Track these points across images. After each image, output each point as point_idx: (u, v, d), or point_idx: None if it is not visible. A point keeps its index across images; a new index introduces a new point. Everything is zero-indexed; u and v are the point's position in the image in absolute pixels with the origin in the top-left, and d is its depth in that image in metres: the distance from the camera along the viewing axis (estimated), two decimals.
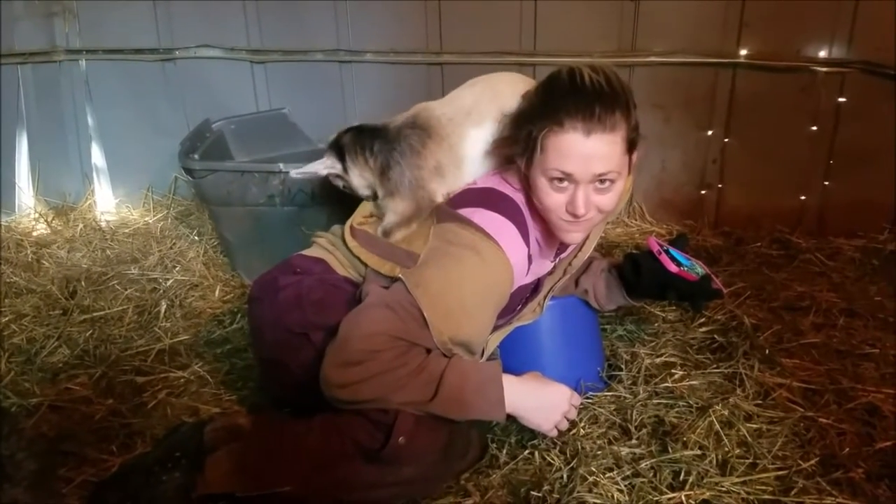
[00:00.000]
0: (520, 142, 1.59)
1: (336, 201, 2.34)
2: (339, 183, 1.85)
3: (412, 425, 1.50)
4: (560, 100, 1.51)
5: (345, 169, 1.79)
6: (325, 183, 2.32)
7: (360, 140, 1.77)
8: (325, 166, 1.82)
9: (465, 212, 1.65)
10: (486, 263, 1.58)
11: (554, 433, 1.66)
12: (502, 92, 1.71)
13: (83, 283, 2.58)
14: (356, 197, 1.84)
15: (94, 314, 2.39)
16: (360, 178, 1.78)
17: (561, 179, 1.55)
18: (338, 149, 1.79)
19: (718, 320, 2.22)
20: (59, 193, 3.29)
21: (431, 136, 1.71)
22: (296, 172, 1.89)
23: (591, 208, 1.58)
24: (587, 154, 1.51)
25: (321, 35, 3.07)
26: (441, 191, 1.73)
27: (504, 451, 1.73)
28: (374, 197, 1.79)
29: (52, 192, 3.27)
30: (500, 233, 1.61)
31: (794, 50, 2.73)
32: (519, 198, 1.66)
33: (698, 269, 1.80)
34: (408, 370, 1.50)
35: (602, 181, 1.55)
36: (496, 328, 1.76)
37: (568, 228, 1.64)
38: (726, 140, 2.91)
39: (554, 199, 1.58)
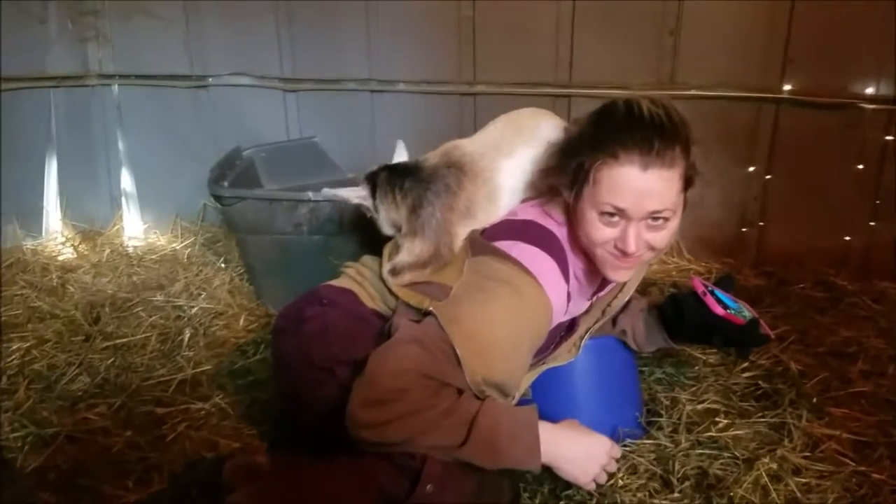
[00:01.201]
0: (568, 172, 1.53)
1: (364, 231, 2.30)
2: (368, 213, 1.80)
3: (441, 472, 1.41)
4: (616, 131, 1.45)
5: (374, 205, 1.74)
6: (354, 212, 2.29)
7: (392, 179, 1.72)
8: (357, 196, 1.78)
9: (504, 245, 1.59)
10: (523, 300, 1.51)
11: (591, 486, 1.56)
12: (525, 124, 1.71)
13: (107, 309, 2.55)
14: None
15: (117, 341, 2.36)
16: (385, 216, 1.73)
17: (612, 214, 1.48)
18: (372, 183, 1.75)
19: (762, 365, 2.12)
20: (87, 218, 3.28)
21: (466, 173, 1.67)
22: (328, 191, 1.84)
23: (642, 246, 1.51)
24: (643, 189, 1.45)
25: (353, 64, 3.05)
26: (464, 234, 1.68)
27: (537, 501, 1.64)
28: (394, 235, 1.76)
29: (80, 217, 3.25)
30: (540, 268, 1.55)
31: (839, 86, 2.65)
32: (561, 232, 1.60)
33: (745, 312, 1.71)
34: (438, 412, 1.42)
35: (655, 218, 1.48)
36: (529, 368, 1.67)
37: (615, 265, 1.57)
38: (768, 177, 2.82)
39: (603, 233, 1.51)
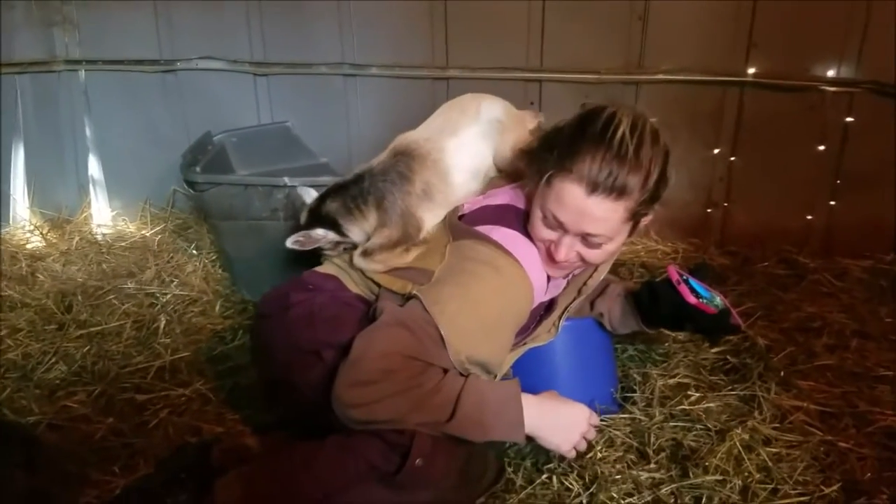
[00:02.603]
0: (536, 163, 1.57)
1: None
2: (339, 249, 1.78)
3: (430, 447, 1.45)
4: (582, 144, 1.48)
5: (342, 233, 1.73)
6: None
7: (346, 196, 1.73)
8: (321, 237, 1.75)
9: (483, 228, 1.62)
10: (505, 281, 1.55)
11: (572, 454, 1.61)
12: (468, 105, 1.76)
13: (79, 297, 2.52)
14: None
15: (91, 329, 2.34)
16: (361, 233, 1.73)
17: (551, 220, 1.54)
18: (324, 219, 1.74)
19: (730, 341, 2.18)
20: (55, 205, 3.22)
21: (415, 158, 1.71)
22: (290, 242, 1.76)
23: (573, 257, 1.58)
24: (582, 210, 1.50)
25: (325, 48, 3.04)
26: (429, 217, 1.71)
27: (520, 475, 1.68)
28: None
29: (48, 204, 3.20)
30: (519, 249, 1.58)
31: (802, 69, 2.72)
32: None
33: (717, 301, 1.76)
34: (424, 390, 1.46)
35: (590, 238, 1.54)
36: (511, 348, 1.71)
37: (547, 262, 1.63)
38: (733, 159, 2.89)
39: (541, 232, 1.58)
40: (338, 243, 1.76)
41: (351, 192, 1.72)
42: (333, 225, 1.72)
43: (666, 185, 1.54)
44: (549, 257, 1.60)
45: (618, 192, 1.47)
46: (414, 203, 1.69)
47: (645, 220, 1.60)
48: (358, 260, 1.70)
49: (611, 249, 1.59)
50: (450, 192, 1.72)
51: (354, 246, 1.73)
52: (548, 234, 1.57)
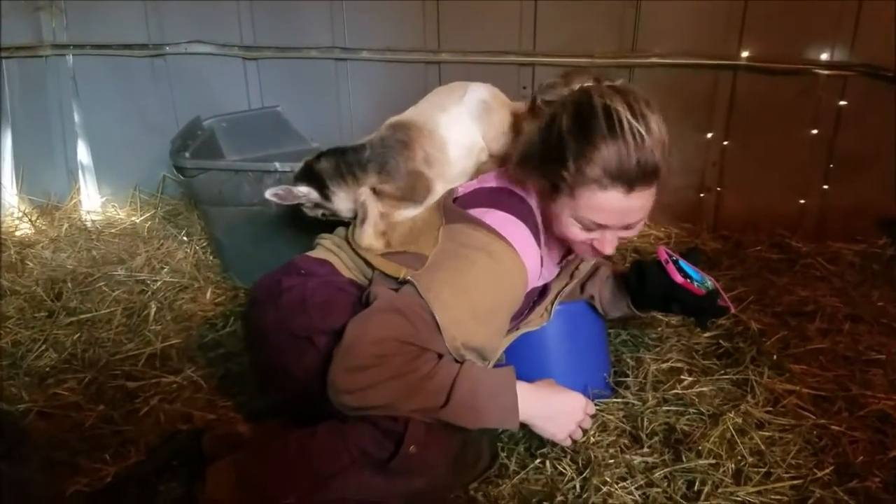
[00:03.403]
0: (546, 176, 1.53)
1: None
2: (317, 212, 1.77)
3: (424, 434, 1.44)
4: (597, 149, 1.43)
5: (326, 196, 1.72)
6: None
7: (344, 161, 1.71)
8: (301, 195, 1.74)
9: (477, 212, 1.61)
10: (499, 265, 1.54)
11: (567, 442, 1.61)
12: (454, 88, 1.79)
13: (69, 284, 2.51)
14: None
15: (81, 316, 2.32)
16: (346, 202, 1.72)
17: (590, 224, 1.53)
18: (313, 177, 1.72)
19: (723, 325, 2.19)
20: (44, 192, 3.19)
21: (411, 129, 1.71)
22: (270, 193, 1.74)
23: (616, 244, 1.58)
24: (626, 209, 1.48)
25: (316, 32, 3.01)
26: (437, 184, 1.70)
27: (513, 460, 1.68)
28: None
29: (37, 191, 3.16)
30: (513, 234, 1.57)
31: (795, 52, 2.71)
32: (532, 199, 1.62)
33: (708, 283, 1.75)
34: (418, 376, 1.45)
35: (631, 225, 1.54)
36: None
37: (590, 254, 1.63)
38: (726, 143, 2.88)
39: (579, 235, 1.56)
40: (317, 206, 1.75)
41: (348, 158, 1.71)
42: (321, 186, 1.71)
43: None
44: (592, 251, 1.60)
45: (651, 175, 1.45)
46: (419, 167, 1.69)
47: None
48: (366, 196, 1.69)
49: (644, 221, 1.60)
50: (446, 163, 1.71)
51: (333, 214, 1.74)
52: (585, 235, 1.55)
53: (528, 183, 1.62)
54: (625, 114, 1.42)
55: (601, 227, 1.52)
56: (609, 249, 1.55)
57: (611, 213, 1.49)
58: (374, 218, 1.67)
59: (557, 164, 1.48)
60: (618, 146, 1.42)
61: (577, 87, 1.51)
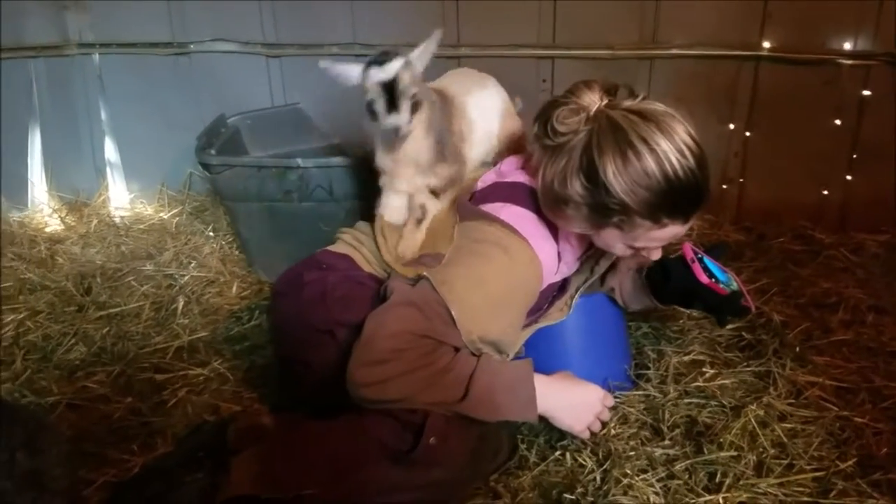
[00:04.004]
0: (590, 219, 1.53)
1: (354, 197, 2.32)
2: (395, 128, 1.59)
3: (443, 425, 1.46)
4: (654, 198, 1.45)
5: (393, 97, 1.56)
6: (343, 178, 2.30)
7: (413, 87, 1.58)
8: (352, 77, 1.62)
9: (491, 207, 1.62)
10: (514, 260, 1.55)
11: (586, 435, 1.62)
12: (470, 73, 1.88)
13: (98, 279, 2.55)
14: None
15: (111, 311, 2.36)
16: (405, 117, 1.57)
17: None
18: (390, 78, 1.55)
19: (745, 318, 2.16)
20: (73, 189, 3.25)
21: (447, 100, 1.73)
22: (324, 63, 1.66)
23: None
24: (680, 233, 1.54)
25: (337, 29, 3.02)
26: (466, 162, 1.75)
27: (533, 452, 1.69)
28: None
29: (66, 188, 3.22)
30: (529, 229, 1.58)
31: (818, 42, 2.68)
32: None
33: (732, 283, 1.75)
34: (435, 369, 1.47)
35: None
36: (523, 327, 1.72)
37: (633, 262, 1.75)
38: (748, 134, 2.86)
39: (627, 252, 1.61)
40: (371, 107, 1.59)
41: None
42: (388, 87, 1.55)
43: None
44: (635, 258, 1.68)
45: (706, 201, 1.51)
46: (457, 143, 1.72)
47: None
48: (426, 198, 1.71)
49: None
50: (473, 140, 1.75)
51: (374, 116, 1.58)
52: (631, 250, 1.60)
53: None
54: (672, 155, 1.42)
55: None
56: (657, 255, 1.62)
57: (667, 240, 1.55)
58: (430, 217, 1.70)
59: (608, 211, 1.49)
60: (672, 191, 1.44)
61: (592, 109, 1.49)
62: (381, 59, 1.55)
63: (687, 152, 1.43)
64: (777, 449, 1.64)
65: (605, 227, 1.54)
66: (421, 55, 1.61)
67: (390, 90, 1.53)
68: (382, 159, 1.73)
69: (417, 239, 1.71)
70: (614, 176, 1.44)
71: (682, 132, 1.44)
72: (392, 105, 1.54)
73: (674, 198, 1.45)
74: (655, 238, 1.53)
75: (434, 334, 1.48)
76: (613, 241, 1.57)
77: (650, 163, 1.42)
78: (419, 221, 1.71)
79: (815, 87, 2.72)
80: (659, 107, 1.48)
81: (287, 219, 2.42)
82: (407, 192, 1.74)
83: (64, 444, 1.17)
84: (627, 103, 1.48)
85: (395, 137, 1.59)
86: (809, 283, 2.43)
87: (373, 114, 1.58)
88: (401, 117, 1.55)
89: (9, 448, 1.06)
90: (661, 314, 2.21)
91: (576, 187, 1.49)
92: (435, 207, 1.73)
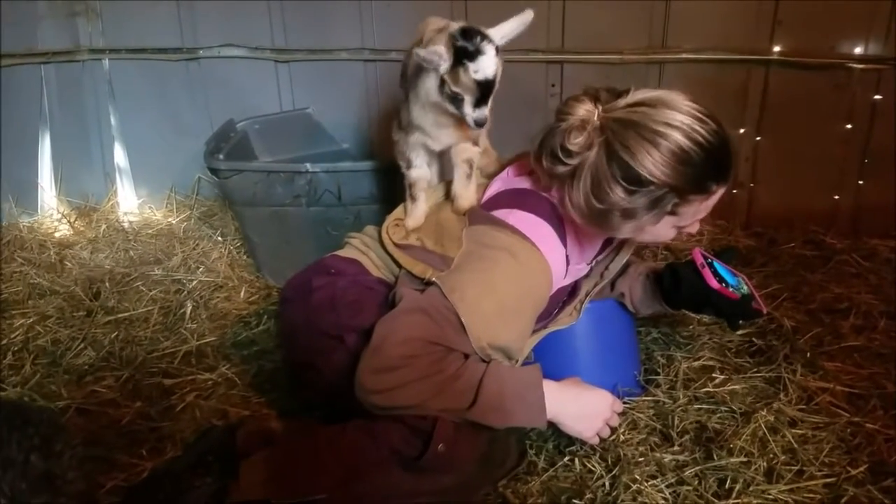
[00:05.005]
0: (648, 205, 1.51)
1: (363, 201, 2.33)
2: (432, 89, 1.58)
3: (452, 432, 1.45)
4: (703, 173, 1.47)
5: (478, 47, 1.55)
6: (351, 183, 2.31)
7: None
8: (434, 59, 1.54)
9: (499, 213, 1.62)
10: (523, 266, 1.54)
11: (595, 440, 1.61)
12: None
13: (107, 284, 2.55)
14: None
15: (119, 315, 2.37)
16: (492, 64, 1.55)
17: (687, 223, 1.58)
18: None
19: (756, 323, 2.16)
20: (82, 194, 3.26)
21: None
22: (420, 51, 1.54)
23: None
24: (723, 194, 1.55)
25: (346, 34, 3.03)
26: None
27: (542, 458, 1.68)
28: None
29: (75, 193, 3.24)
30: (537, 234, 1.58)
31: (828, 46, 2.67)
32: (555, 198, 1.62)
33: (743, 287, 1.74)
34: (445, 376, 1.46)
35: None
36: (532, 332, 1.71)
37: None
38: (758, 138, 2.85)
39: (671, 235, 1.61)
40: (442, 84, 1.55)
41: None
42: (484, 85, 1.52)
43: None
44: (676, 237, 1.65)
45: (735, 153, 1.53)
46: None
47: None
48: (471, 151, 1.72)
49: None
50: None
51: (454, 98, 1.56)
52: (675, 232, 1.61)
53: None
54: (694, 124, 1.44)
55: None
56: (696, 228, 1.62)
57: (711, 208, 1.55)
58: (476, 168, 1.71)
59: (661, 202, 1.50)
60: (715, 161, 1.47)
61: (594, 119, 1.50)
62: (472, 51, 1.50)
63: (702, 116, 1.46)
64: (787, 455, 1.63)
65: (663, 218, 1.53)
66: (506, 36, 1.59)
67: (486, 87, 1.53)
68: (423, 119, 1.70)
69: (472, 190, 1.71)
70: (654, 166, 1.44)
71: (686, 102, 1.47)
72: (482, 101, 1.54)
73: (715, 161, 1.47)
74: (704, 209, 1.55)
75: (444, 341, 1.48)
76: (666, 229, 1.58)
77: (680, 139, 1.43)
78: (468, 176, 1.72)
79: (826, 92, 2.70)
80: (651, 91, 1.50)
81: (295, 224, 2.43)
82: (446, 147, 1.74)
83: (79, 446, 1.17)
84: (623, 101, 1.50)
85: (472, 125, 1.59)
86: (821, 288, 2.42)
87: (456, 103, 1.56)
88: (486, 110, 1.56)
89: (24, 450, 1.06)
90: (671, 319, 2.20)
91: (618, 194, 1.48)
92: (477, 155, 1.73)
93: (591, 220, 1.56)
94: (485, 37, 1.52)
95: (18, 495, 1.03)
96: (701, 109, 1.47)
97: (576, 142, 1.49)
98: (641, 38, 2.81)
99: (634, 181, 1.46)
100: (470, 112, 1.55)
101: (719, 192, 1.52)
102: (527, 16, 1.59)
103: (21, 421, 1.11)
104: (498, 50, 1.54)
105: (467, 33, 1.52)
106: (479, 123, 1.56)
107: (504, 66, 1.54)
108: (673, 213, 1.52)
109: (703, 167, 1.45)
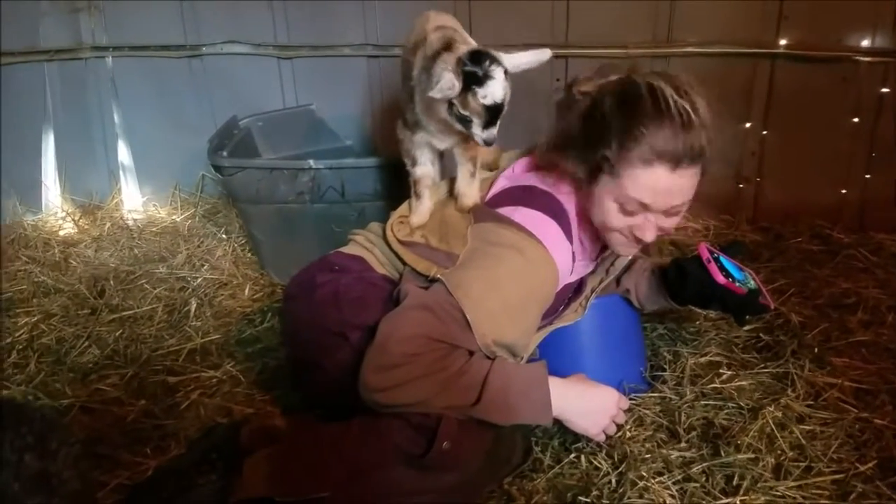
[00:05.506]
0: (586, 160, 1.52)
1: (366, 198, 2.32)
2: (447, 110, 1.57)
3: (456, 430, 1.44)
4: (646, 129, 1.43)
5: (488, 72, 1.52)
6: (355, 179, 2.30)
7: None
8: (446, 88, 1.49)
9: (505, 210, 1.61)
10: (529, 263, 1.53)
11: (601, 438, 1.60)
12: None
13: (111, 282, 2.55)
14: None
15: (124, 313, 2.36)
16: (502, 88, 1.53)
17: (633, 206, 1.51)
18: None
19: (763, 318, 2.14)
20: (86, 192, 3.26)
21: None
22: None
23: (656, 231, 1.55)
24: (670, 188, 1.47)
25: (349, 30, 3.02)
26: None
27: (548, 455, 1.68)
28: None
29: (79, 191, 3.23)
30: (543, 230, 1.57)
31: (835, 39, 2.65)
32: (562, 195, 1.61)
33: (750, 281, 1.72)
34: (449, 374, 1.45)
35: (672, 210, 1.51)
36: (537, 329, 1.70)
37: (626, 245, 1.61)
38: (765, 133, 2.83)
39: (620, 221, 1.55)
40: (451, 105, 1.53)
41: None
42: (492, 109, 1.51)
43: None
44: (630, 241, 1.58)
45: (698, 155, 1.45)
46: None
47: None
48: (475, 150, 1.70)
49: (684, 210, 1.57)
50: None
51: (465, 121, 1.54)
52: (627, 220, 1.54)
53: (560, 175, 1.61)
54: (670, 92, 1.42)
55: (644, 208, 1.51)
56: (650, 236, 1.54)
57: (656, 192, 1.48)
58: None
59: (600, 145, 1.48)
60: (664, 123, 1.42)
61: (614, 77, 1.52)
62: (481, 75, 1.49)
63: (688, 98, 1.43)
64: (795, 451, 1.62)
65: (599, 181, 1.52)
66: (519, 66, 1.55)
67: (495, 111, 1.52)
68: (429, 121, 1.68)
69: (476, 188, 1.71)
70: (613, 110, 1.47)
71: (690, 88, 1.45)
72: (491, 122, 1.53)
73: (665, 135, 1.42)
74: (645, 187, 1.47)
75: (448, 338, 1.47)
76: (607, 201, 1.53)
77: (647, 99, 1.44)
78: (472, 174, 1.71)
79: (833, 85, 2.69)
80: (682, 74, 1.51)
81: (299, 221, 2.42)
82: (447, 147, 1.74)
83: (75, 445, 1.15)
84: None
85: (482, 144, 1.57)
86: (828, 283, 2.40)
87: (465, 123, 1.55)
88: (495, 130, 1.55)
89: (17, 449, 1.05)
90: (677, 315, 2.18)
91: (574, 125, 1.53)
92: (481, 153, 1.72)
93: (553, 150, 1.59)
94: (494, 60, 1.50)
95: (12, 495, 1.02)
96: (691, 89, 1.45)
97: (590, 83, 1.53)
98: (646, 33, 2.79)
99: (590, 112, 1.51)
100: (479, 133, 1.54)
101: (661, 171, 1.45)
102: (544, 54, 1.57)
103: (15, 420, 1.10)
104: (507, 72, 1.51)
105: (476, 57, 1.50)
106: (489, 143, 1.56)
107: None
108: (610, 173, 1.48)
109: (651, 128, 1.43)
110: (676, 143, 1.43)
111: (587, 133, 1.51)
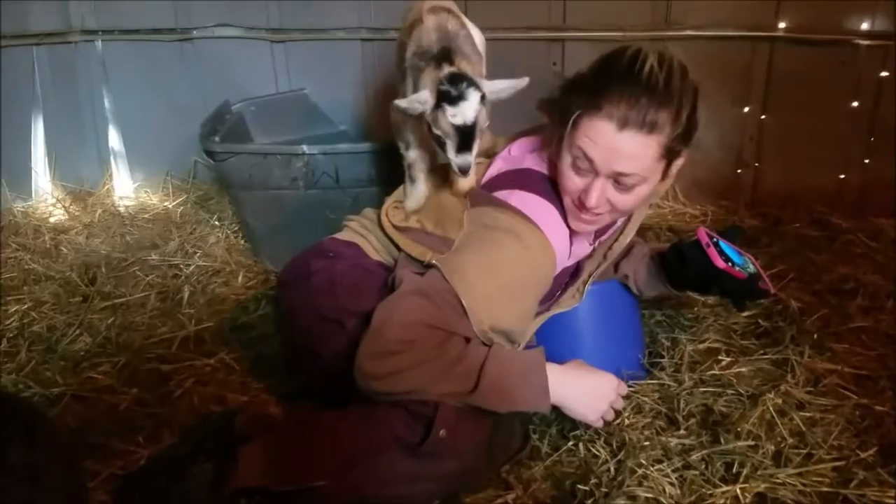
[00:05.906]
0: (560, 109, 1.51)
1: (360, 184, 2.29)
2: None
3: (454, 417, 1.42)
4: (609, 81, 1.43)
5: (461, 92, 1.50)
6: (349, 165, 2.27)
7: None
8: (422, 102, 1.51)
9: (501, 194, 1.59)
10: (526, 247, 1.51)
11: (600, 424, 1.59)
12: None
13: (103, 269, 2.52)
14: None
15: (116, 301, 2.33)
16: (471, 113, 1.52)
17: (583, 164, 1.48)
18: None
19: (762, 304, 2.13)
20: (77, 178, 3.21)
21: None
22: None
23: (603, 203, 1.51)
24: (614, 148, 1.44)
25: (342, 12, 2.99)
26: None
27: (545, 442, 1.66)
28: None
29: (70, 177, 3.19)
30: (540, 214, 1.54)
31: (834, 22, 2.63)
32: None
33: (749, 266, 1.70)
34: (446, 360, 1.43)
35: (622, 180, 1.48)
36: (535, 315, 1.68)
37: (576, 215, 1.57)
38: (763, 117, 2.81)
39: (573, 181, 1.52)
40: (440, 141, 1.53)
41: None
42: (464, 131, 1.49)
43: (696, 125, 1.48)
44: (580, 206, 1.53)
45: (650, 125, 1.42)
46: None
47: (677, 163, 1.53)
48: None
49: (643, 193, 1.52)
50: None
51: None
52: (578, 182, 1.51)
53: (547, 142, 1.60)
54: (651, 61, 1.42)
55: (591, 168, 1.48)
56: (593, 200, 1.49)
57: (599, 145, 1.45)
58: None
59: (571, 93, 1.49)
60: (628, 81, 1.41)
61: None
62: (455, 95, 1.47)
63: (665, 72, 1.42)
64: (795, 438, 1.60)
65: (562, 137, 1.52)
66: (496, 92, 1.53)
67: (465, 133, 1.49)
68: (416, 147, 1.71)
69: (471, 173, 1.62)
70: (593, 65, 1.51)
71: (678, 70, 1.45)
72: (464, 146, 1.50)
73: (624, 90, 1.42)
74: (589, 136, 1.45)
75: (444, 325, 1.45)
76: (564, 155, 1.52)
77: (626, 59, 1.45)
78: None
79: (832, 69, 2.67)
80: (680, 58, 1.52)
81: (293, 207, 2.39)
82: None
83: (62, 437, 1.13)
84: None
85: (457, 171, 1.54)
86: (827, 269, 2.39)
87: (441, 145, 1.53)
88: (470, 157, 1.51)
89: (2, 441, 1.02)
90: (676, 301, 2.17)
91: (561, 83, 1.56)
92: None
93: (541, 106, 1.60)
94: (472, 83, 1.48)
95: None
96: (672, 76, 1.44)
97: None
98: (644, 15, 2.77)
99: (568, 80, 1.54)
100: (453, 157, 1.51)
101: (605, 123, 1.43)
102: (522, 82, 1.54)
103: None
104: (484, 98, 1.49)
105: (454, 79, 1.48)
106: (463, 170, 1.52)
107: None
108: (572, 124, 1.48)
109: (615, 82, 1.43)
110: (631, 103, 1.41)
111: (568, 83, 1.53)
